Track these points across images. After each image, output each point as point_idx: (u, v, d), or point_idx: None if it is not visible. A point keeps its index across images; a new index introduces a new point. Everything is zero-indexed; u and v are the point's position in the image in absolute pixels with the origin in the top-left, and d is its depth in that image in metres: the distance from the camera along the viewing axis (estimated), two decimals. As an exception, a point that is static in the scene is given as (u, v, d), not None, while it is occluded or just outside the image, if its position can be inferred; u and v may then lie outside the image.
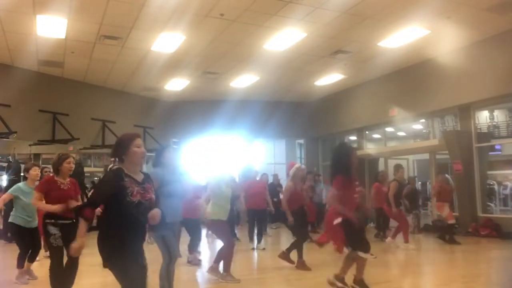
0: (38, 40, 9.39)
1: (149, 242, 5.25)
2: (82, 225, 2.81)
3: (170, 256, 4.17)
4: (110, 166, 7.13)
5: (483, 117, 15.01)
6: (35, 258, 5.58)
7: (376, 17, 8.54)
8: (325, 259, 6.73)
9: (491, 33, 9.34)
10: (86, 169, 11.83)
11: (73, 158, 4.68)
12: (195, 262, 6.66)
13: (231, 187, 5.77)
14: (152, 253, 4.08)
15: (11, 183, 9.16)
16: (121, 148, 2.97)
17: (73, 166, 4.59)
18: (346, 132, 14.95)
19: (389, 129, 15.05)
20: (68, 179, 4.57)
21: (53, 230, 4.33)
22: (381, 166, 13.80)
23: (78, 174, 10.86)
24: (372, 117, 13.14)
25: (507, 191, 16.14)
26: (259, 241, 8.50)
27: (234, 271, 6.72)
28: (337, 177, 4.70)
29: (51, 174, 4.77)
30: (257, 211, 8.66)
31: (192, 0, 7.72)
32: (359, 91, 13.49)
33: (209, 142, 15.21)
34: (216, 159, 14.20)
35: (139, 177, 2.98)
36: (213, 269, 5.59)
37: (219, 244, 5.79)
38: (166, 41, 9.61)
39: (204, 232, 8.41)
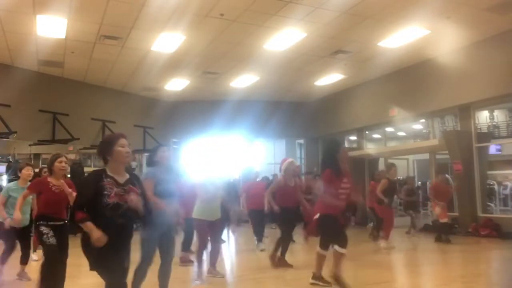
0: (38, 40, 9.38)
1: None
2: (86, 227, 2.78)
3: (142, 258, 4.03)
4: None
5: (483, 117, 15.03)
6: (27, 259, 5.55)
7: (376, 17, 8.53)
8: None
9: (491, 33, 9.34)
10: (86, 169, 11.81)
11: (66, 158, 4.58)
12: (187, 261, 6.64)
13: (218, 188, 5.72)
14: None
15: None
16: (105, 147, 2.94)
17: (65, 166, 4.50)
18: (346, 132, 14.96)
19: (389, 129, 15.06)
20: (62, 181, 4.47)
21: (45, 230, 4.28)
22: (381, 166, 13.79)
23: (78, 174, 10.90)
24: (372, 117, 13.14)
25: (507, 191, 16.14)
26: (260, 240, 8.52)
27: (233, 271, 6.72)
28: (326, 171, 4.80)
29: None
30: (258, 211, 8.66)
31: (192, 0, 7.72)
32: (359, 91, 13.49)
33: (209, 142, 15.21)
34: (215, 159, 14.19)
35: (122, 178, 2.94)
36: (210, 270, 5.64)
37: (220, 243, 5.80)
38: (166, 41, 9.61)
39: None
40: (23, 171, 5.47)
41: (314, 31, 9.17)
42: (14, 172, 10.21)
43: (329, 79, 12.80)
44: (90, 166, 14.16)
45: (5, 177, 11.19)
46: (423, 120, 14.11)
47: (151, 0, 7.69)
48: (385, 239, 8.23)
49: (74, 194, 4.52)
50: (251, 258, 7.94)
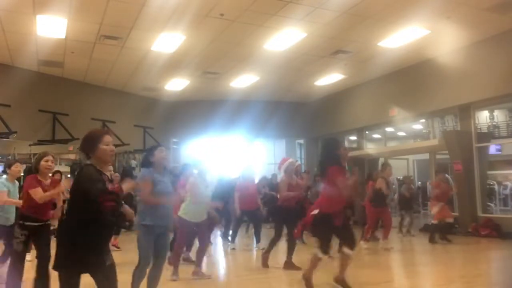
0: (38, 40, 9.39)
1: None
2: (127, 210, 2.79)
3: (140, 259, 3.99)
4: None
5: (483, 117, 15.02)
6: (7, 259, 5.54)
7: (376, 17, 8.53)
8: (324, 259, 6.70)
9: (491, 33, 9.34)
10: (86, 169, 11.77)
11: (53, 157, 4.51)
12: (189, 259, 6.64)
13: (209, 189, 5.71)
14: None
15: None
16: (89, 145, 2.85)
17: (51, 165, 4.42)
18: (346, 132, 14.95)
19: (389, 129, 15.05)
20: (49, 180, 4.43)
21: (17, 233, 4.24)
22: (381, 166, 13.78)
23: (78, 174, 10.89)
24: (372, 117, 13.14)
25: (507, 191, 16.14)
26: (258, 241, 8.53)
27: (234, 271, 6.73)
28: (333, 167, 4.73)
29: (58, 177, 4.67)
30: (248, 211, 8.69)
31: (192, 0, 7.72)
32: (359, 91, 13.49)
33: (209, 142, 15.21)
34: (215, 159, 14.19)
35: (109, 174, 2.92)
36: (196, 272, 5.61)
37: (218, 243, 5.80)
38: (166, 41, 9.61)
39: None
40: (13, 167, 5.39)
41: (314, 31, 9.17)
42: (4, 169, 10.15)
43: (329, 79, 12.80)
44: (90, 166, 14.14)
45: (5, 177, 11.17)
46: (423, 120, 14.10)
47: (151, 0, 7.69)
48: (385, 239, 8.21)
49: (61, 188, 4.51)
50: (249, 258, 7.95)
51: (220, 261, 7.81)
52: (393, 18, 8.57)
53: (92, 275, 2.76)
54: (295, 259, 6.22)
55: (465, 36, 9.50)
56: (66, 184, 6.68)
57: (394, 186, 11.04)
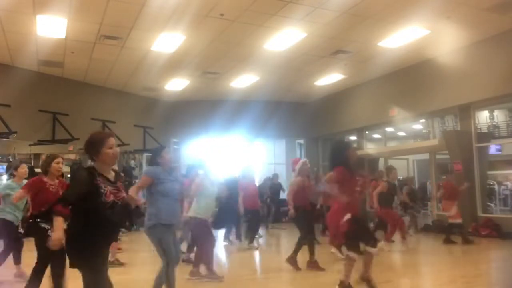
0: (38, 40, 9.38)
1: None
2: (57, 221, 2.71)
3: (167, 261, 4.04)
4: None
5: (483, 117, 15.02)
6: (20, 257, 5.56)
7: (376, 17, 8.53)
8: (324, 259, 6.71)
9: (491, 33, 9.34)
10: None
11: (62, 158, 4.61)
12: (189, 260, 6.64)
13: (215, 187, 5.75)
14: (142, 253, 4.09)
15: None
16: (92, 148, 2.87)
17: (62, 166, 4.53)
18: (346, 132, 14.95)
19: (389, 129, 15.05)
20: (57, 181, 4.49)
21: (47, 226, 4.22)
22: (381, 166, 13.79)
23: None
24: (372, 117, 13.14)
25: (507, 191, 16.12)
26: (251, 240, 8.55)
27: (234, 271, 6.73)
28: (338, 168, 4.71)
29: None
30: (251, 211, 8.72)
31: (192, 0, 7.72)
32: (359, 91, 13.49)
33: (209, 142, 15.21)
34: (215, 159, 14.19)
35: (111, 176, 2.92)
36: (193, 273, 5.60)
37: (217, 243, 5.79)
38: (166, 41, 9.61)
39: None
40: (19, 169, 5.51)
41: (314, 31, 9.17)
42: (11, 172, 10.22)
43: (329, 79, 12.80)
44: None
45: (5, 177, 11.18)
46: (423, 120, 14.09)
47: (151, 0, 7.69)
48: (388, 241, 8.20)
49: None
50: (253, 258, 7.95)
51: (222, 261, 7.81)
52: (393, 18, 8.57)
53: (82, 275, 2.79)
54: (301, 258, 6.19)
55: (465, 36, 9.50)
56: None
57: (405, 187, 11.03)
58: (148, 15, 8.25)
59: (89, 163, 2.98)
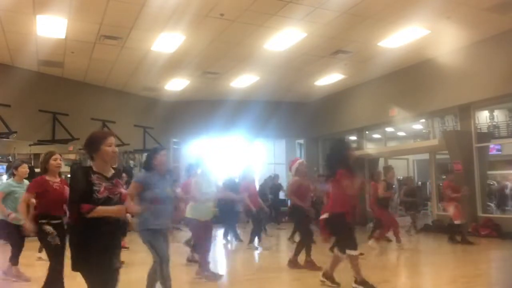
0: (38, 40, 9.38)
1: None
2: (99, 211, 2.74)
3: (161, 259, 4.05)
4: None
5: (483, 117, 15.02)
6: (18, 259, 5.55)
7: (376, 17, 8.53)
8: (323, 259, 6.71)
9: (491, 33, 9.34)
10: (86, 169, 11.77)
11: (60, 155, 4.59)
12: (194, 260, 6.64)
13: (215, 187, 5.74)
14: (141, 253, 4.09)
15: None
16: (92, 146, 2.92)
17: (60, 162, 4.50)
18: (346, 132, 14.93)
19: (389, 129, 15.04)
20: (58, 179, 4.48)
21: (49, 229, 4.27)
22: (381, 166, 13.79)
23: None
24: (372, 117, 13.14)
25: (507, 191, 16.12)
26: (252, 241, 8.55)
27: (234, 271, 6.73)
28: (339, 171, 4.76)
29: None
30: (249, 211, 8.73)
31: (192, 0, 7.72)
32: (359, 91, 13.49)
33: (209, 142, 15.20)
34: (216, 159, 14.19)
35: (109, 173, 2.94)
36: (198, 272, 5.60)
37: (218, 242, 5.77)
38: (166, 41, 9.60)
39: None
40: (20, 168, 5.50)
41: (314, 31, 9.17)
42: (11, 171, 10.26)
43: (329, 79, 12.80)
44: (90, 166, 14.14)
45: (5, 177, 11.18)
46: (423, 120, 14.09)
47: (151, 0, 7.69)
48: (377, 240, 8.19)
49: None
50: (252, 258, 7.95)
51: (222, 261, 7.81)
52: (393, 18, 8.57)
53: (83, 277, 2.79)
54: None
55: (465, 36, 9.50)
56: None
57: (394, 186, 11.01)
58: (148, 15, 8.25)
59: (89, 163, 2.99)
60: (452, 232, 9.09)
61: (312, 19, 8.53)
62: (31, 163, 10.48)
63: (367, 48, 10.24)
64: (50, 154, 4.50)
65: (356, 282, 4.80)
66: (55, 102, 11.92)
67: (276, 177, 13.69)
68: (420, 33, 9.25)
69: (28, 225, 4.34)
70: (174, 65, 11.31)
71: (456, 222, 8.94)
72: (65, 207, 4.49)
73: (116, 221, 2.89)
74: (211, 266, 5.74)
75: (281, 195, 13.90)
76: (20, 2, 7.72)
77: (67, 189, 4.41)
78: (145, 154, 14.03)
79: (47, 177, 4.42)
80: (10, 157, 12.12)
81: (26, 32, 8.99)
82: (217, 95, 14.44)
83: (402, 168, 14.96)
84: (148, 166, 4.27)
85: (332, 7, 8.02)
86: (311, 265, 6.14)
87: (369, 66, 11.46)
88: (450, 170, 10.57)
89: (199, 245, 5.69)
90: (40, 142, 11.71)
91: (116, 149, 2.98)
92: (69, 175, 11.70)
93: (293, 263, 6.24)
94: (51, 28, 8.76)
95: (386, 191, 8.21)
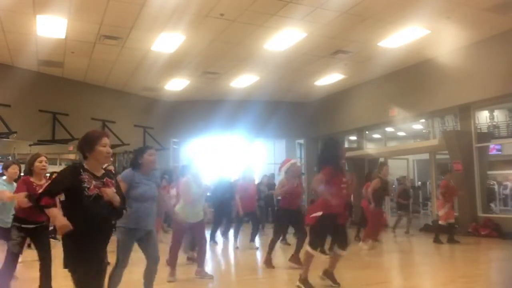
0: (38, 40, 9.38)
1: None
2: (52, 212, 2.79)
3: (118, 262, 3.96)
4: (104, 166, 7.08)
5: (483, 117, 15.05)
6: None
7: (376, 17, 8.53)
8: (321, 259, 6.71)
9: (491, 33, 9.34)
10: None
11: (46, 158, 4.54)
12: (194, 258, 6.63)
13: (204, 190, 5.71)
14: (136, 252, 4.08)
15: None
16: (87, 145, 2.93)
17: (46, 165, 4.46)
18: (346, 132, 14.96)
19: (389, 129, 15.06)
20: (43, 181, 4.42)
21: (15, 235, 4.28)
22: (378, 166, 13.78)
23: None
24: (372, 117, 13.14)
25: (507, 191, 16.14)
26: (252, 239, 8.56)
27: (234, 271, 6.72)
28: (326, 168, 4.79)
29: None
30: (249, 212, 8.73)
31: (192, 0, 7.72)
32: (359, 91, 13.48)
33: (209, 142, 15.21)
34: (213, 159, 14.19)
35: (99, 173, 2.95)
36: (198, 272, 5.59)
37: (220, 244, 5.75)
38: (166, 41, 9.61)
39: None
40: (9, 169, 5.41)
41: (314, 31, 9.17)
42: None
43: (329, 79, 12.80)
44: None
45: (5, 177, 11.16)
46: (423, 120, 14.11)
47: (151, 0, 7.69)
48: (364, 240, 8.18)
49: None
50: (249, 258, 7.95)
51: (221, 261, 7.81)
52: (393, 18, 8.57)
53: (71, 275, 2.79)
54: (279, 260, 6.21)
55: (465, 36, 9.50)
56: None
57: (394, 186, 11.02)
58: (148, 15, 8.25)
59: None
60: (440, 233, 9.06)
61: (312, 19, 8.53)
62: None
63: (367, 48, 10.24)
64: (35, 156, 4.47)
65: (300, 280, 4.83)
66: (55, 102, 11.92)
67: (271, 176, 13.67)
68: (420, 33, 9.24)
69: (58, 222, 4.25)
70: (174, 65, 11.31)
71: (450, 221, 8.95)
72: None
73: (105, 218, 2.88)
74: (205, 269, 5.70)
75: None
76: (20, 2, 7.72)
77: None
78: (110, 154, 13.98)
79: (32, 179, 4.38)
80: (10, 157, 12.11)
81: (26, 32, 9.00)
82: (217, 95, 14.44)
83: (402, 168, 14.97)
84: (134, 164, 4.19)
85: (332, 7, 8.02)
86: (296, 261, 6.17)
87: (369, 66, 11.46)
88: (450, 170, 10.57)
89: (173, 243, 5.63)
90: (40, 142, 11.71)
91: (110, 150, 2.99)
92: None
93: (267, 261, 6.28)
94: (51, 28, 8.77)
95: (379, 188, 8.14)
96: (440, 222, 9.09)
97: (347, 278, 4.90)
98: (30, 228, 4.32)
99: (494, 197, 14.76)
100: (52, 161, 11.82)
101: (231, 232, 9.66)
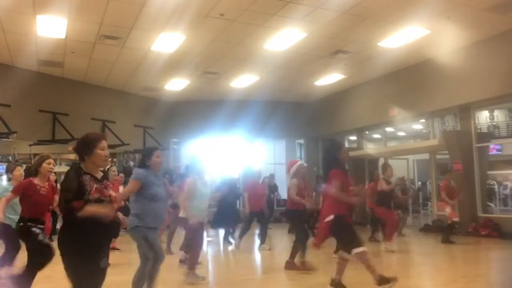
0: (38, 40, 9.38)
1: None
2: (89, 209, 2.74)
3: (156, 255, 4.02)
4: (108, 166, 7.10)
5: (483, 117, 15.05)
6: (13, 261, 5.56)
7: (376, 17, 8.53)
8: (322, 260, 6.71)
9: (491, 33, 9.34)
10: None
11: (53, 160, 4.55)
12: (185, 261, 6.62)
13: (208, 189, 5.72)
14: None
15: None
16: (85, 148, 2.92)
17: (53, 167, 4.47)
18: (346, 132, 14.95)
19: (389, 129, 15.06)
20: (47, 183, 4.43)
21: (37, 230, 4.28)
22: (381, 166, 13.78)
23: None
24: (372, 117, 13.14)
25: (507, 191, 16.14)
26: (263, 241, 8.50)
27: (235, 271, 6.72)
28: (334, 170, 4.78)
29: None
30: (256, 212, 8.67)
31: (192, 0, 7.72)
32: (359, 91, 13.49)
33: (209, 142, 15.21)
34: (215, 159, 14.19)
35: (98, 175, 2.96)
36: (188, 274, 5.52)
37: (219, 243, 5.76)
38: (166, 41, 9.61)
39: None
40: (14, 172, 5.45)
41: (314, 31, 9.17)
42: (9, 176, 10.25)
43: (329, 79, 12.80)
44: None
45: (5, 177, 11.17)
46: (423, 120, 14.11)
47: (151, 0, 7.69)
48: (388, 240, 8.19)
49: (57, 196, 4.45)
50: (250, 258, 7.95)
51: (222, 261, 7.81)
52: (393, 18, 8.57)
53: (67, 276, 2.78)
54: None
55: (465, 36, 9.50)
56: None
57: (397, 186, 11.01)
58: (148, 15, 8.25)
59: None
60: (449, 232, 9.06)
61: (312, 19, 8.53)
62: (30, 163, 10.49)
63: (367, 48, 10.24)
64: (44, 157, 4.46)
65: (376, 281, 4.59)
66: (55, 102, 11.92)
67: (271, 177, 13.66)
68: (420, 33, 9.25)
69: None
70: (174, 65, 11.31)
71: (455, 219, 8.94)
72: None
73: (105, 221, 2.87)
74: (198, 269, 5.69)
75: (279, 195, 13.93)
76: (20, 2, 7.72)
77: (54, 196, 4.43)
78: (108, 157, 13.95)
79: (35, 181, 4.36)
80: (10, 157, 12.12)
81: (26, 32, 9.00)
82: (217, 95, 14.44)
83: (402, 168, 14.98)
84: (143, 165, 4.23)
85: (332, 7, 8.02)
86: (305, 266, 6.12)
87: (369, 66, 11.46)
88: (449, 170, 10.57)
89: (190, 244, 5.63)
90: (40, 142, 11.72)
91: (108, 153, 3.00)
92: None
93: (290, 264, 6.22)
94: (51, 28, 8.77)
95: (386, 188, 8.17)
96: (449, 221, 9.01)
97: (347, 277, 4.89)
98: (41, 229, 4.34)
99: (494, 197, 14.75)
100: (52, 161, 11.81)
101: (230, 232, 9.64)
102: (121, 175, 8.61)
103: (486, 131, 14.52)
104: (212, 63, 11.39)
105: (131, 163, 14.03)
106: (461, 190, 9.51)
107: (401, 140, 18.74)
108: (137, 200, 4.08)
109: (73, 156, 13.97)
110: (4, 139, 10.88)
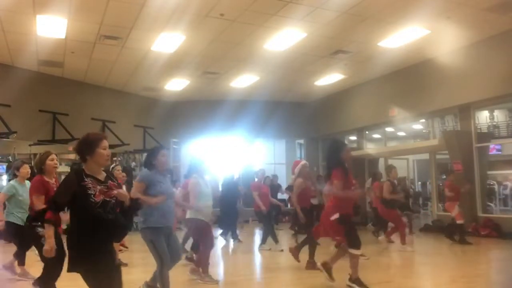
0: (38, 40, 9.38)
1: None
2: (48, 230, 2.85)
3: (161, 260, 4.05)
4: (112, 166, 7.11)
5: (483, 117, 15.03)
6: (24, 258, 5.56)
7: (376, 17, 8.53)
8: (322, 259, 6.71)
9: (491, 33, 9.34)
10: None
11: (56, 156, 4.56)
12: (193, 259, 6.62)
13: (212, 189, 5.72)
14: (142, 253, 4.09)
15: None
16: (87, 148, 2.91)
17: (57, 163, 4.49)
18: (346, 132, 14.95)
19: (389, 129, 15.05)
20: (53, 179, 4.44)
21: (42, 231, 4.23)
22: (381, 166, 13.80)
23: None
24: (372, 117, 13.14)
25: (507, 191, 16.14)
26: (263, 241, 8.50)
27: (235, 271, 6.72)
28: (336, 169, 4.81)
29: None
30: (261, 212, 8.67)
31: (192, 0, 7.72)
32: (359, 91, 13.49)
33: (209, 142, 15.20)
34: (215, 159, 14.18)
35: (101, 176, 2.94)
36: (193, 270, 5.56)
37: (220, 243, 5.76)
38: (166, 41, 9.60)
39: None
40: (21, 169, 5.48)
41: (314, 31, 9.17)
42: (12, 172, 10.24)
43: (329, 79, 12.80)
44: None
45: (5, 177, 11.17)
46: (423, 120, 14.10)
47: (151, 0, 7.69)
48: (402, 243, 8.18)
49: None
50: (251, 258, 7.95)
51: (222, 262, 7.81)
52: (393, 18, 8.57)
53: (83, 278, 2.78)
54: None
55: (465, 36, 9.50)
56: None
57: (399, 187, 11.03)
58: (148, 15, 8.25)
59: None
60: (451, 231, 9.06)
61: (312, 19, 8.53)
62: (31, 163, 10.50)
63: (367, 48, 10.24)
64: (46, 154, 4.46)
65: (350, 279, 4.82)
66: (55, 102, 11.93)
67: (275, 177, 13.67)
68: (420, 33, 9.24)
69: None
70: (174, 65, 11.31)
71: (459, 222, 8.91)
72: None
73: (112, 220, 2.86)
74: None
75: (281, 195, 13.88)
76: (20, 2, 7.72)
77: None
78: (145, 154, 14.09)
79: (46, 178, 4.37)
80: (10, 157, 12.11)
81: (26, 32, 9.00)
82: (217, 95, 14.44)
83: (402, 168, 14.98)
84: (148, 165, 4.30)
85: (332, 7, 8.02)
86: (312, 266, 6.12)
87: (369, 66, 11.46)
88: (450, 170, 10.57)
89: (199, 245, 5.66)
90: (40, 142, 11.71)
91: (110, 152, 3.01)
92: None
93: (311, 264, 6.20)
94: (51, 28, 8.77)
95: (392, 191, 8.19)
96: (458, 222, 8.99)
97: (347, 277, 4.90)
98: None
99: (494, 197, 14.75)
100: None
101: (229, 233, 9.64)
102: (123, 174, 8.61)
103: (486, 131, 14.49)
104: (212, 63, 11.39)
105: (132, 164, 14.03)
106: (465, 184, 9.45)
107: (401, 140, 18.72)
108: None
109: (73, 156, 13.97)
110: (4, 139, 10.88)
